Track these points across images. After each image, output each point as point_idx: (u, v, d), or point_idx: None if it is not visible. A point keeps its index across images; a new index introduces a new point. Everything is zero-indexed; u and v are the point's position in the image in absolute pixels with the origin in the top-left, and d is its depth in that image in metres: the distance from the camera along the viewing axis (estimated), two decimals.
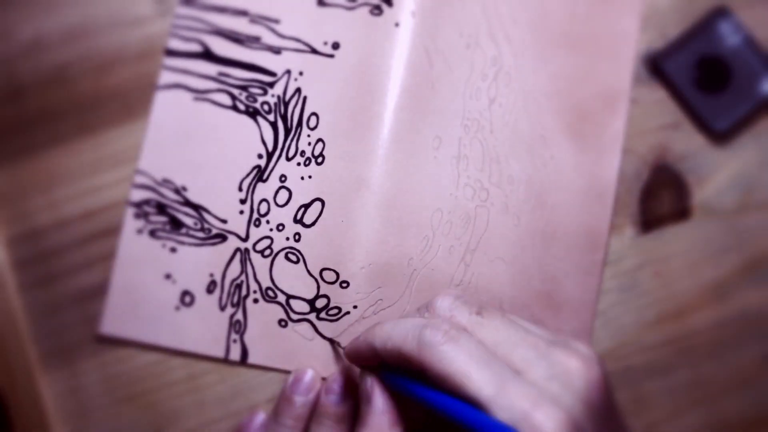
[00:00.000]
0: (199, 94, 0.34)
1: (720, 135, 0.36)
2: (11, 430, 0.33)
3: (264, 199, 0.34)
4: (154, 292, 0.33)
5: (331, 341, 0.33)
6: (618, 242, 0.35)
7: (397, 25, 0.34)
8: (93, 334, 0.34)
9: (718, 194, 0.36)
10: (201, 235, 0.34)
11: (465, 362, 0.25)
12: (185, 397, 0.34)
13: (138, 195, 0.34)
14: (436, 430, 0.30)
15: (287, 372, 0.33)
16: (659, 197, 0.36)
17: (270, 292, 0.33)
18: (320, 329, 0.33)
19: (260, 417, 0.33)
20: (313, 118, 0.34)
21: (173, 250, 0.34)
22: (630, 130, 0.36)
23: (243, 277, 0.33)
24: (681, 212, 0.36)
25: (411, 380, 0.27)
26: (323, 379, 0.33)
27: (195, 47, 0.35)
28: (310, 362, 0.33)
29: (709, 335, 0.35)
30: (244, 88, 0.34)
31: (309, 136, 0.34)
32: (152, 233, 0.34)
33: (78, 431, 0.34)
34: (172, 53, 0.35)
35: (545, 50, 0.35)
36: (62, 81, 0.35)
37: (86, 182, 0.35)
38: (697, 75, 0.36)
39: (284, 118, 0.34)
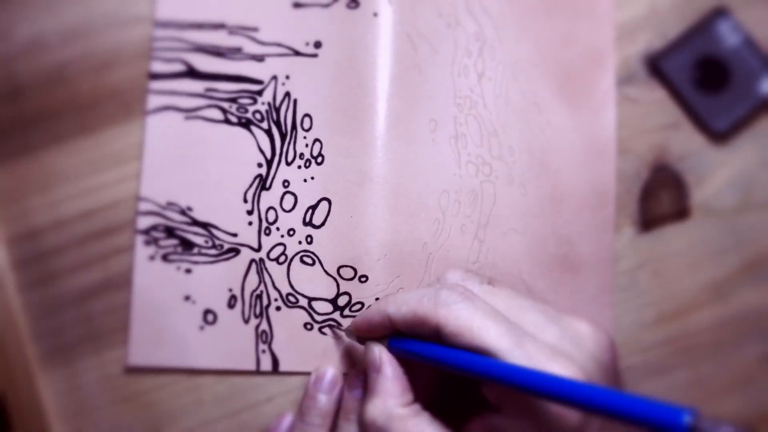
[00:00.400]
0: (190, 112, 0.34)
1: (719, 135, 0.36)
2: (11, 429, 0.33)
3: (270, 207, 0.34)
4: (175, 315, 0.33)
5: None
6: (617, 242, 0.35)
7: (375, 15, 0.34)
8: (92, 334, 0.34)
9: (717, 194, 0.36)
10: (213, 252, 0.34)
11: (482, 317, 0.26)
12: (184, 396, 0.34)
13: (144, 222, 0.34)
14: (444, 396, 0.30)
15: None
16: (658, 197, 0.36)
17: (291, 298, 0.33)
18: (346, 326, 0.33)
19: (288, 419, 0.33)
20: (307, 120, 0.34)
21: (188, 271, 0.34)
22: (629, 130, 0.36)
23: (262, 287, 0.33)
24: (680, 212, 0.36)
25: (424, 342, 0.28)
26: (345, 374, 0.33)
27: (178, 67, 0.35)
28: (335, 358, 0.33)
29: (709, 335, 0.35)
30: (233, 100, 0.34)
31: (305, 137, 0.34)
32: (165, 257, 0.34)
33: (77, 430, 0.34)
34: (156, 76, 0.35)
35: (524, 18, 0.35)
36: (61, 80, 0.35)
37: (85, 182, 0.35)
38: (696, 75, 0.36)
39: (277, 123, 0.34)
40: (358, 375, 0.32)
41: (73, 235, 0.34)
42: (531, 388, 0.23)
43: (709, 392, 0.34)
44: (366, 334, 0.30)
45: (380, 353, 0.29)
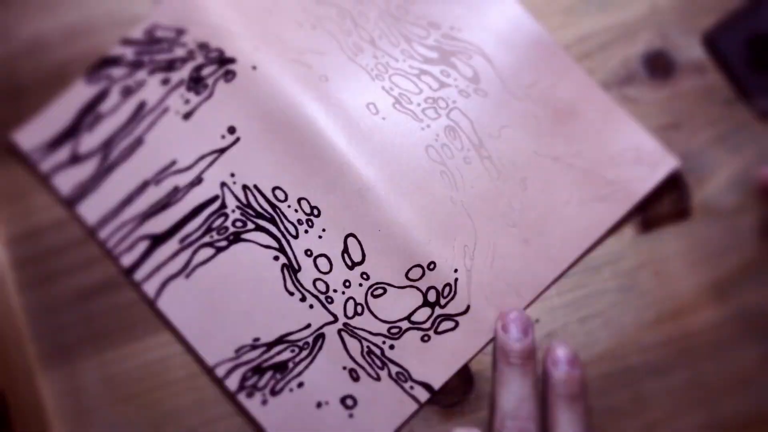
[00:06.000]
0: (187, 270, 0.34)
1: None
2: (11, 429, 0.33)
3: (315, 279, 0.33)
4: (322, 425, 0.33)
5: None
6: (617, 242, 0.35)
7: (254, 68, 0.34)
8: (92, 333, 0.34)
9: (717, 194, 0.36)
10: (305, 354, 0.33)
11: None
12: (185, 396, 0.34)
13: (233, 382, 0.33)
14: None
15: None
16: (659, 197, 0.36)
17: (393, 330, 0.33)
18: (452, 312, 0.33)
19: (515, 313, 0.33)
20: (279, 192, 0.34)
21: (300, 385, 0.33)
22: None
23: (365, 343, 0.33)
24: (681, 212, 0.36)
25: None
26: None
27: (144, 245, 0.34)
28: (467, 343, 0.33)
29: (709, 335, 0.35)
30: (209, 229, 0.34)
31: (289, 206, 0.34)
32: (273, 392, 0.33)
33: (78, 430, 0.34)
34: (132, 268, 0.34)
35: None
36: (62, 80, 0.35)
37: None
38: (747, 53, 0.35)
39: (259, 215, 0.34)
40: (508, 314, 0.33)
41: (74, 235, 0.34)
42: None
43: (709, 392, 0.34)
44: None
45: None
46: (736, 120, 0.36)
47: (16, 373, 0.33)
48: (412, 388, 0.33)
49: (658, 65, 0.36)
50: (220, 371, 0.33)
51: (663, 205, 0.36)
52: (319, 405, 0.33)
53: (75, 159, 0.34)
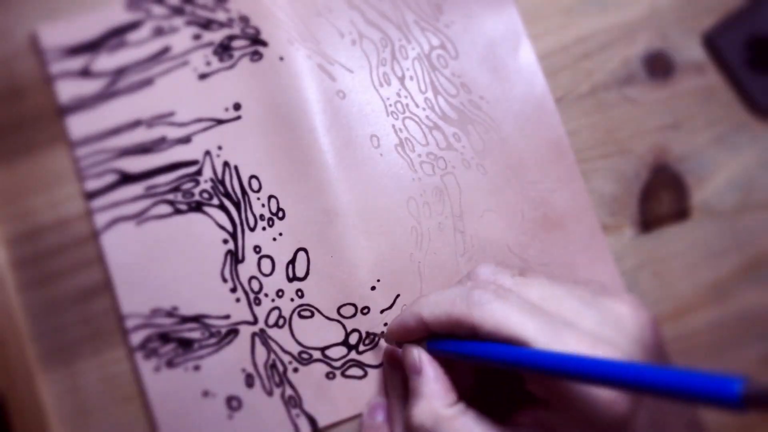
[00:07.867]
0: (139, 217, 0.34)
1: None
2: (11, 429, 0.33)
3: (252, 277, 0.34)
4: (201, 414, 0.33)
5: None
6: (617, 242, 0.35)
7: (281, 59, 0.34)
8: (92, 334, 0.34)
9: (717, 194, 0.36)
10: (213, 340, 0.33)
11: (518, 314, 0.25)
12: None
13: (137, 338, 0.33)
14: (484, 393, 0.30)
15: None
16: (658, 197, 0.36)
17: (304, 355, 0.33)
18: (366, 362, 0.33)
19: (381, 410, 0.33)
20: (254, 181, 0.34)
21: (197, 368, 0.33)
22: (629, 131, 0.36)
23: (272, 356, 0.33)
24: (680, 212, 0.36)
25: (462, 341, 0.27)
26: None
27: (111, 177, 0.34)
28: (372, 394, 0.33)
29: (709, 335, 0.35)
30: (175, 189, 0.34)
31: (259, 199, 0.34)
32: (169, 364, 0.33)
33: (77, 430, 0.34)
34: (93, 194, 0.34)
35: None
36: None
37: None
38: (747, 53, 0.35)
39: (227, 195, 0.34)
40: (376, 404, 0.32)
41: (74, 235, 0.34)
42: (573, 373, 0.23)
43: None
44: (402, 339, 0.30)
45: (419, 355, 0.29)
46: (736, 120, 0.36)
47: (16, 373, 0.33)
48: (297, 416, 0.33)
49: (658, 65, 0.36)
50: (129, 323, 0.33)
51: (662, 206, 0.36)
52: (205, 394, 0.33)
53: (85, 73, 0.34)
